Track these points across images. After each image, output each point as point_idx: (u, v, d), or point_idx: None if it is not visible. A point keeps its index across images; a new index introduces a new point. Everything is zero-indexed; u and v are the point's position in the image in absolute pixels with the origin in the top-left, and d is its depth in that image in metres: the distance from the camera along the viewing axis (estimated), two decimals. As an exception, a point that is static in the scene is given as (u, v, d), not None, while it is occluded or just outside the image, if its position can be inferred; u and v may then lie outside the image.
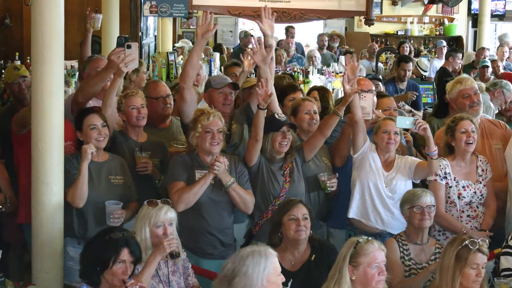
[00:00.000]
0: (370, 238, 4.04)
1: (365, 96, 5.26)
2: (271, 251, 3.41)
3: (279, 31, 14.36)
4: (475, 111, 5.67)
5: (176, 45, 12.31)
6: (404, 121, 5.09)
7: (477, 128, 5.31)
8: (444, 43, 13.67)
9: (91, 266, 3.82)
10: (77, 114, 5.05)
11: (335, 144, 5.50)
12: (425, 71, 11.69)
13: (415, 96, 8.58)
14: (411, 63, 8.90)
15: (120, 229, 4.05)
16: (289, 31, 14.12)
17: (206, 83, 5.71)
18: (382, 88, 6.11)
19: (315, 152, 5.26)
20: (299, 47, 13.58)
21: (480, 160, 5.36)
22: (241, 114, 5.41)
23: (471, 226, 5.17)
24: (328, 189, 5.21)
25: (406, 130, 5.46)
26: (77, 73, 8.79)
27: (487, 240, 4.19)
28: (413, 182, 5.27)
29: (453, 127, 5.28)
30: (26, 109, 5.21)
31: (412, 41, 16.51)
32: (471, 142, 5.23)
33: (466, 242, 4.02)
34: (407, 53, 12.55)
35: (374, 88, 5.82)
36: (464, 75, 6.48)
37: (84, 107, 5.32)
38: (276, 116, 5.05)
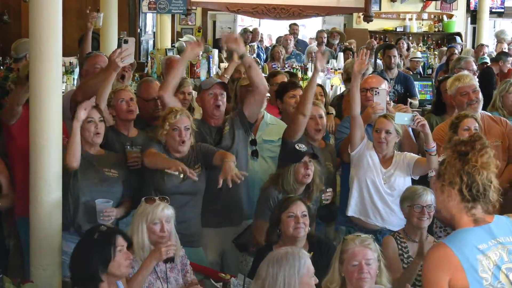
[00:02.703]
0: (358, 235, 4.06)
1: (378, 92, 5.28)
2: (304, 252, 3.44)
3: (281, 27, 14.31)
4: (474, 109, 5.64)
5: (181, 39, 12.29)
6: (402, 118, 5.08)
7: (480, 127, 5.30)
8: (459, 45, 13.32)
9: (90, 269, 3.71)
10: (74, 106, 5.03)
11: (347, 138, 5.42)
12: (420, 58, 11.70)
13: None
14: (395, 49, 8.80)
15: (100, 224, 4.10)
16: (291, 28, 14.07)
17: (198, 87, 5.72)
18: (388, 87, 6.06)
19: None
20: (302, 45, 13.54)
21: None
22: (235, 118, 5.34)
23: (471, 220, 5.16)
24: (324, 202, 5.18)
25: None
26: (75, 70, 8.78)
27: None
28: (412, 178, 5.26)
29: (457, 124, 5.29)
30: (12, 100, 5.20)
31: (411, 38, 16.48)
32: None
33: None
34: (404, 49, 12.51)
35: (384, 86, 5.79)
36: (464, 72, 6.43)
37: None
38: (297, 147, 5.03)
